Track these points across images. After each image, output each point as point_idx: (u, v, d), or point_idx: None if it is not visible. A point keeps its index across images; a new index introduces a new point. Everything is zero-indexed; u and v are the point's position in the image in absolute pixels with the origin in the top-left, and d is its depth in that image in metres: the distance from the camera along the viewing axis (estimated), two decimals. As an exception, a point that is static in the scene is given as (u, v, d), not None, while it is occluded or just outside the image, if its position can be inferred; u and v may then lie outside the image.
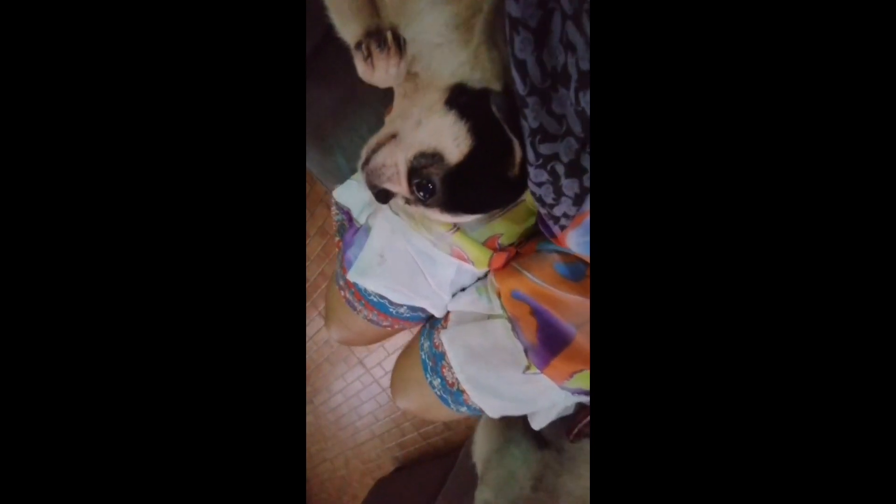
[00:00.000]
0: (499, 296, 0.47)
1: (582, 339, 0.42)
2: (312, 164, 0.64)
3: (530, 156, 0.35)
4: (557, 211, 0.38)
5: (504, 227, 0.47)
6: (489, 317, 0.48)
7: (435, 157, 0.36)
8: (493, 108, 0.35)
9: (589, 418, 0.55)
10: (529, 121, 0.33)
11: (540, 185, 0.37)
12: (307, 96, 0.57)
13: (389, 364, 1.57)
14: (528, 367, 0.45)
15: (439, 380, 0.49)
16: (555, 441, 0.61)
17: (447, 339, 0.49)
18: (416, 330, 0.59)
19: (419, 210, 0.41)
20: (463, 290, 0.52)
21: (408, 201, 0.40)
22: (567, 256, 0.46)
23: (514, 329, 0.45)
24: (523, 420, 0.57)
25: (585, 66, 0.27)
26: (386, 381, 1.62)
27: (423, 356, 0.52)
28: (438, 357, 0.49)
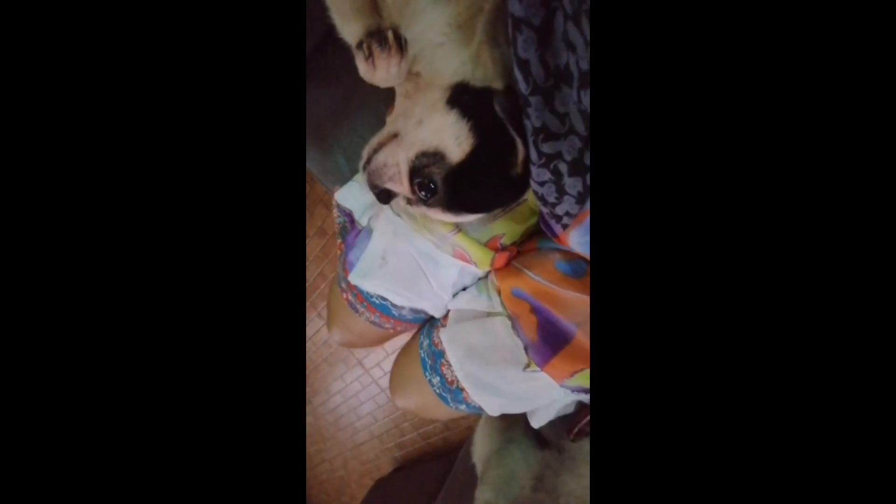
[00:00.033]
0: (499, 293, 0.47)
1: (582, 337, 0.42)
2: (312, 164, 0.64)
3: (533, 155, 0.35)
4: (560, 210, 0.38)
5: (506, 228, 0.47)
6: (489, 314, 0.48)
7: (437, 156, 0.36)
8: (497, 108, 0.35)
9: (589, 417, 0.55)
10: (532, 120, 0.33)
11: (542, 183, 0.37)
12: (307, 96, 0.57)
13: (388, 364, 1.56)
14: (527, 365, 0.45)
15: (438, 378, 0.49)
16: (555, 441, 0.61)
17: (446, 337, 0.49)
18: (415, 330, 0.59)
19: (421, 210, 0.41)
20: (464, 289, 0.52)
21: (409, 201, 0.40)
22: (568, 254, 0.46)
23: (514, 327, 0.45)
24: (524, 420, 0.57)
25: (585, 66, 0.27)
26: (385, 382, 1.61)
27: (423, 354, 0.52)
28: (438, 355, 0.49)
